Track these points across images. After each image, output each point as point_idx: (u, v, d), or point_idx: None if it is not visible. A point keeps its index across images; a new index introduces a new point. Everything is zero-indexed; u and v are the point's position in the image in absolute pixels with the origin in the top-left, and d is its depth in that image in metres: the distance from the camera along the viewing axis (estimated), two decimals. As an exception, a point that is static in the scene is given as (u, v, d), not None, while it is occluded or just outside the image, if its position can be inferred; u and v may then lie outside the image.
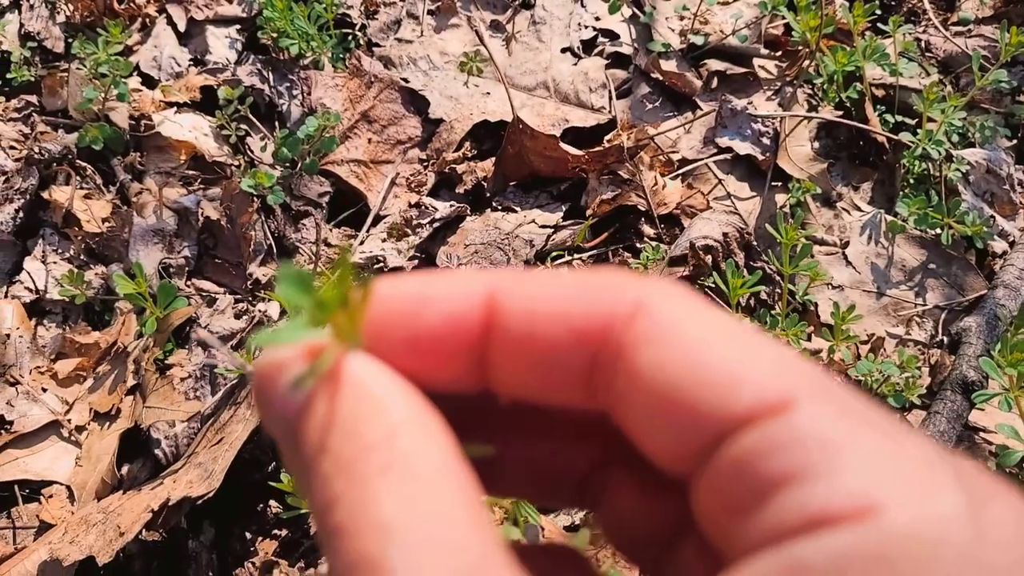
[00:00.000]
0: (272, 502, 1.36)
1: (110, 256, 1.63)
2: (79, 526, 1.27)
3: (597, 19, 1.94)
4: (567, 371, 0.32)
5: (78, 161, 1.70)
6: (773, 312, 1.47)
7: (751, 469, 0.28)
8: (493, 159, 1.74)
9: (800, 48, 1.83)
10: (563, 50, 1.89)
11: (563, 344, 0.32)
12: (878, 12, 1.75)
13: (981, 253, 1.60)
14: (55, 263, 1.62)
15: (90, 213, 1.64)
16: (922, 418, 1.36)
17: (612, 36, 1.92)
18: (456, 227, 1.66)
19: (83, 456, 1.41)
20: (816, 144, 1.72)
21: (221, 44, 1.91)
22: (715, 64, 1.81)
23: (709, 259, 1.52)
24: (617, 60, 1.88)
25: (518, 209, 1.68)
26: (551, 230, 1.64)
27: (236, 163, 1.74)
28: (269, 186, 1.61)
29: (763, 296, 1.56)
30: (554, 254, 1.61)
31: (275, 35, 1.83)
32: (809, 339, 1.50)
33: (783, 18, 1.81)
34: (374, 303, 0.32)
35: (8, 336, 1.50)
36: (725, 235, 1.55)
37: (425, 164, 1.77)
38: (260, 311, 1.53)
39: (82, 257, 1.63)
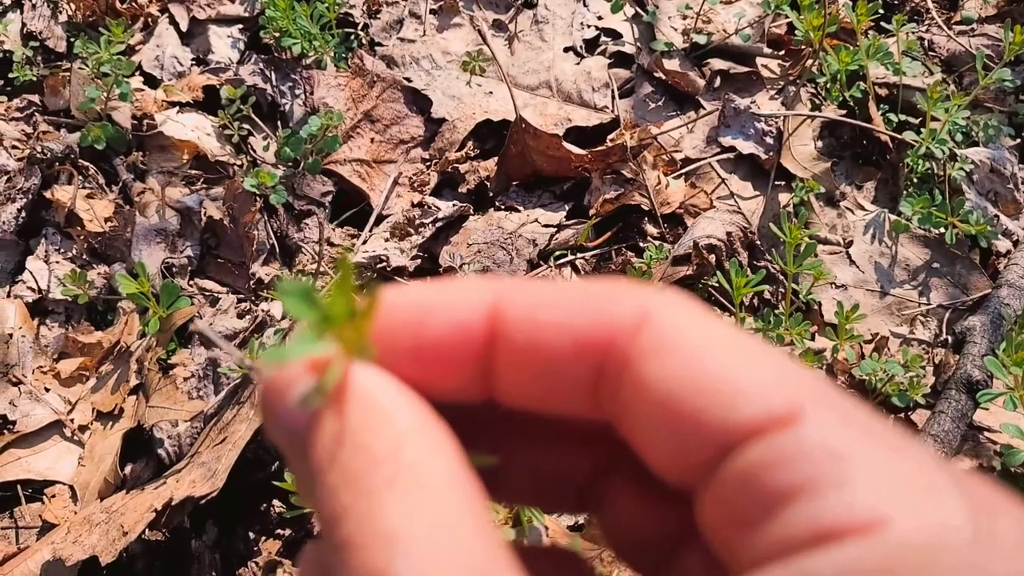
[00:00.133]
0: (276, 502, 1.36)
1: (113, 256, 1.63)
2: (82, 526, 1.27)
3: (600, 18, 1.94)
4: (571, 381, 0.32)
5: (80, 161, 1.70)
6: (777, 311, 1.47)
7: (758, 481, 0.28)
8: (496, 158, 1.74)
9: (803, 47, 1.83)
10: (566, 49, 1.88)
11: (567, 354, 0.32)
12: (881, 11, 1.74)
13: (985, 252, 1.60)
14: (58, 263, 1.62)
15: (92, 213, 1.64)
16: (926, 418, 1.36)
17: (615, 35, 1.91)
18: (459, 227, 1.66)
19: (86, 456, 1.41)
20: (819, 143, 1.72)
21: (223, 43, 1.91)
22: (718, 63, 1.81)
23: (713, 258, 1.52)
24: (620, 59, 1.88)
25: (521, 208, 1.68)
26: (554, 229, 1.64)
27: (239, 163, 1.74)
28: (272, 186, 1.61)
29: (767, 295, 1.55)
30: (557, 254, 1.60)
31: (277, 34, 1.83)
32: (813, 338, 1.50)
33: (786, 17, 1.81)
34: (379, 312, 0.32)
35: (11, 336, 1.50)
36: (729, 234, 1.55)
37: (428, 164, 1.76)
38: (263, 311, 1.53)
39: (85, 257, 1.63)
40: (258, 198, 1.62)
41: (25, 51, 1.86)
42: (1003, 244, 1.60)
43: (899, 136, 1.63)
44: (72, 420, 1.44)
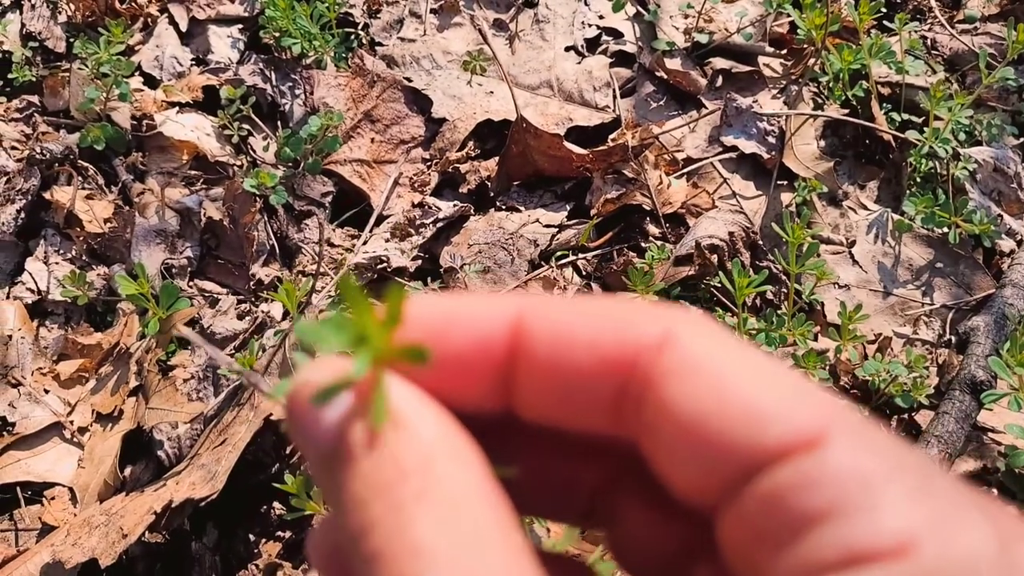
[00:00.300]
0: (276, 504, 1.35)
1: (112, 257, 1.63)
2: (81, 528, 1.26)
3: (601, 17, 1.93)
4: (592, 398, 0.33)
5: (80, 161, 1.70)
6: (779, 312, 1.46)
7: (785, 503, 0.28)
8: (497, 158, 1.73)
9: (805, 46, 1.82)
10: (567, 49, 1.88)
11: (590, 372, 0.32)
12: (884, 10, 1.74)
13: (989, 252, 1.59)
14: (57, 264, 1.61)
15: (92, 213, 1.63)
16: (930, 418, 1.35)
17: (616, 35, 1.91)
18: (460, 227, 1.65)
19: (85, 458, 1.40)
20: (822, 143, 1.71)
21: (223, 44, 1.90)
22: (720, 62, 1.80)
23: (715, 258, 1.51)
24: (621, 59, 1.87)
25: (522, 209, 1.67)
26: (555, 230, 1.63)
27: (238, 163, 1.74)
28: (272, 186, 1.60)
29: (769, 295, 1.55)
30: (558, 254, 1.60)
31: (277, 34, 1.83)
32: (816, 339, 1.49)
33: (788, 16, 1.80)
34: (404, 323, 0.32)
35: (10, 337, 1.50)
36: (731, 234, 1.54)
37: (428, 164, 1.76)
38: (263, 312, 1.52)
39: (84, 258, 1.62)
40: (258, 199, 1.61)
41: (24, 51, 1.86)
42: (1007, 244, 1.60)
43: (902, 135, 1.62)
44: (72, 422, 1.44)
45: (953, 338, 1.48)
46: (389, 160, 1.75)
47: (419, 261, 1.61)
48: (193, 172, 1.71)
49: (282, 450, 1.39)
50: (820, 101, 1.76)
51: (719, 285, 1.47)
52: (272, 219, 1.64)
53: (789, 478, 0.28)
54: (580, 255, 1.61)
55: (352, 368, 0.30)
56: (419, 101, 1.81)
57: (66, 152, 1.68)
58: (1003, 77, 1.62)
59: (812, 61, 1.74)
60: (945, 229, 1.55)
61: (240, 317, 1.51)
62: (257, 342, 1.42)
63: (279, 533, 1.33)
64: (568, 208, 1.66)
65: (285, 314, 1.52)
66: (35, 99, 1.82)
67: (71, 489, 1.38)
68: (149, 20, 1.94)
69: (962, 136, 1.68)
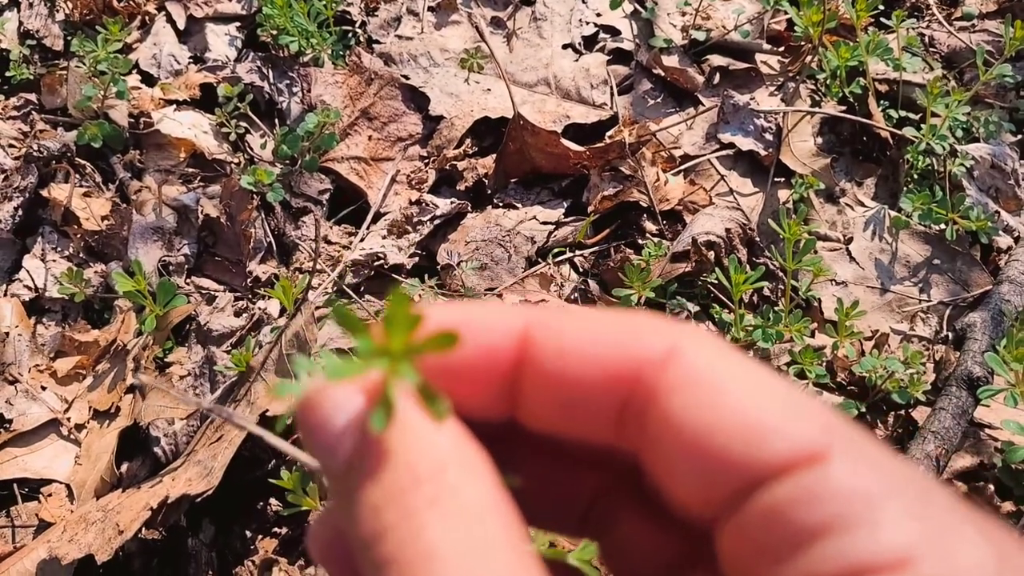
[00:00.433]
0: (272, 500, 1.35)
1: (109, 254, 1.63)
2: (78, 524, 1.26)
3: (598, 15, 1.93)
4: (596, 410, 0.33)
5: (77, 159, 1.70)
6: (776, 308, 1.46)
7: (786, 517, 0.29)
8: (494, 156, 1.73)
9: (803, 43, 1.82)
10: (564, 46, 1.88)
11: (595, 384, 0.33)
12: (881, 7, 1.74)
13: (986, 248, 1.59)
14: (54, 261, 1.61)
15: (89, 211, 1.63)
16: (927, 414, 1.35)
17: (613, 32, 1.91)
18: (457, 224, 1.65)
19: (82, 454, 1.40)
20: (819, 139, 1.71)
21: (221, 41, 1.91)
22: (717, 60, 1.80)
23: (712, 255, 1.51)
24: (618, 56, 1.87)
25: (519, 206, 1.67)
26: (552, 227, 1.63)
27: (236, 160, 1.74)
28: (269, 183, 1.60)
29: (766, 292, 1.55)
30: (556, 251, 1.60)
31: (275, 32, 1.83)
32: (813, 335, 1.49)
33: (785, 13, 1.80)
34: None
35: (7, 334, 1.50)
36: (728, 231, 1.54)
37: (426, 161, 1.76)
38: (260, 308, 1.52)
39: (81, 255, 1.62)
40: (255, 196, 1.61)
41: (22, 50, 1.86)
42: (1004, 240, 1.60)
43: (899, 132, 1.62)
44: (68, 419, 1.44)
45: (950, 334, 1.48)
46: (386, 157, 1.75)
47: (416, 258, 1.61)
48: (190, 170, 1.72)
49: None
50: (817, 98, 1.76)
51: (716, 282, 1.47)
52: (269, 216, 1.64)
53: (790, 492, 0.29)
54: (577, 252, 1.61)
55: (366, 375, 0.31)
56: (416, 99, 1.81)
57: (63, 150, 1.68)
58: (1000, 74, 1.62)
59: (809, 58, 1.74)
60: (942, 226, 1.54)
61: (237, 314, 1.51)
62: (254, 339, 1.42)
63: (275, 529, 1.33)
64: (565, 205, 1.66)
65: (282, 311, 1.52)
66: (33, 97, 1.82)
67: (68, 486, 1.38)
68: (147, 18, 1.94)
69: (959, 133, 1.68)
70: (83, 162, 1.70)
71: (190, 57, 1.88)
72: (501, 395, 0.35)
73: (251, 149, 1.75)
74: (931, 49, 1.88)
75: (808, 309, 1.53)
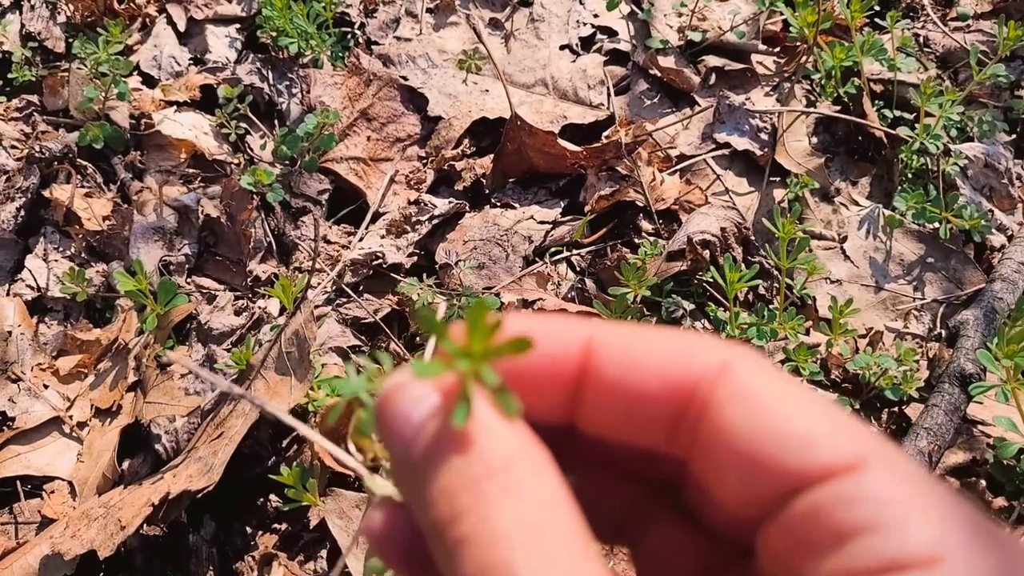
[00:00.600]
0: (272, 496, 1.36)
1: (111, 254, 1.64)
2: (80, 521, 1.28)
3: (595, 16, 1.94)
4: (653, 418, 0.37)
5: (79, 160, 1.71)
6: (771, 306, 1.47)
7: (827, 518, 0.32)
8: (492, 156, 1.75)
9: (798, 44, 1.84)
10: (561, 47, 1.89)
11: (654, 394, 0.36)
12: (876, 7, 1.75)
13: (979, 247, 1.60)
14: (56, 261, 1.63)
15: (91, 211, 1.65)
16: (920, 411, 1.36)
17: (610, 33, 1.92)
18: (455, 224, 1.67)
19: (84, 452, 1.41)
20: (814, 139, 1.72)
21: (221, 43, 1.92)
22: (713, 60, 1.81)
23: (707, 254, 1.52)
24: (615, 57, 1.88)
25: (517, 205, 1.69)
26: (549, 226, 1.64)
27: (236, 161, 1.75)
28: (269, 184, 1.61)
29: (761, 290, 1.56)
30: (553, 250, 1.61)
31: (274, 34, 1.84)
32: (807, 333, 1.50)
33: (781, 14, 1.82)
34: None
35: (10, 333, 1.51)
36: (723, 230, 1.56)
37: (424, 161, 1.77)
38: (260, 308, 1.54)
39: (83, 255, 1.64)
40: (255, 196, 1.63)
41: (24, 51, 1.88)
42: (997, 239, 1.61)
43: (893, 132, 1.63)
44: (71, 416, 1.45)
45: (943, 332, 1.49)
46: (385, 158, 1.77)
47: (415, 258, 1.63)
48: (191, 170, 1.73)
49: (278, 443, 1.40)
50: (812, 98, 1.77)
51: (711, 280, 1.48)
52: (269, 216, 1.66)
53: (831, 496, 0.32)
54: (574, 251, 1.62)
55: (445, 374, 0.34)
56: (415, 99, 1.82)
57: (65, 151, 1.70)
58: (994, 74, 1.63)
59: (804, 58, 1.75)
60: (936, 224, 1.56)
61: (237, 313, 1.53)
62: (254, 337, 1.43)
63: (275, 525, 1.35)
64: (562, 205, 1.68)
65: (282, 310, 1.53)
66: (35, 98, 1.84)
67: (70, 483, 1.39)
68: (147, 20, 1.96)
69: (953, 132, 1.69)
70: (84, 163, 1.71)
71: (190, 59, 1.90)
72: (563, 400, 0.38)
73: (251, 150, 1.76)
74: (926, 49, 1.90)
75: (803, 307, 1.54)
